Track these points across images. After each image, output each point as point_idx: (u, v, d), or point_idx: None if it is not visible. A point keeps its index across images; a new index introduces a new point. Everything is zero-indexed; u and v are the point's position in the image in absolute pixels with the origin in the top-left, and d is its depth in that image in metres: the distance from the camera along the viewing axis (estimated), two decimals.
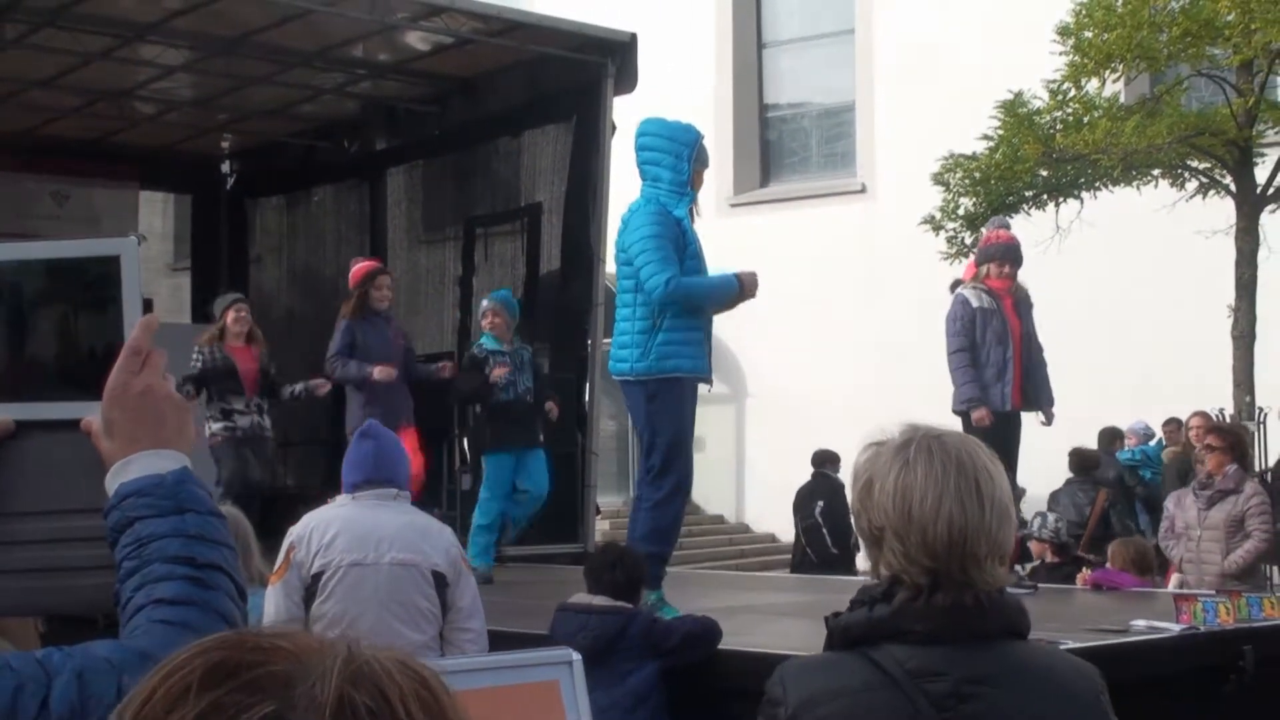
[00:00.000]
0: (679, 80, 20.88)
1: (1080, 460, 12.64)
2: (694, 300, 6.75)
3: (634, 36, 12.18)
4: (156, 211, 19.02)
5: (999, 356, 8.25)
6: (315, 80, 13.78)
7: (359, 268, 10.54)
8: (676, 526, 7.01)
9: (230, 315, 10.71)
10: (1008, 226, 9.23)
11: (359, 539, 5.22)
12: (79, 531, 1.69)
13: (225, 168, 16.54)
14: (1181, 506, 9.42)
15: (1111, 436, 14.37)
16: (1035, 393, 8.46)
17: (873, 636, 2.43)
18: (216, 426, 10.44)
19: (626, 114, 11.70)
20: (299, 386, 10.86)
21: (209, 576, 1.60)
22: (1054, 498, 12.38)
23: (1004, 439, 8.17)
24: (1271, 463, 13.04)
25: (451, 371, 10.63)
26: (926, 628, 2.39)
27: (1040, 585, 9.25)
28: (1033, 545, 10.75)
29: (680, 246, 6.75)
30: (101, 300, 1.72)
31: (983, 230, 13.09)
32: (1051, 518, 11.16)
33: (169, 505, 1.62)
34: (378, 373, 9.85)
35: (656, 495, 6.77)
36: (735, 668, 5.54)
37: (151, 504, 1.61)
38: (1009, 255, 8.65)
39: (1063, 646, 5.46)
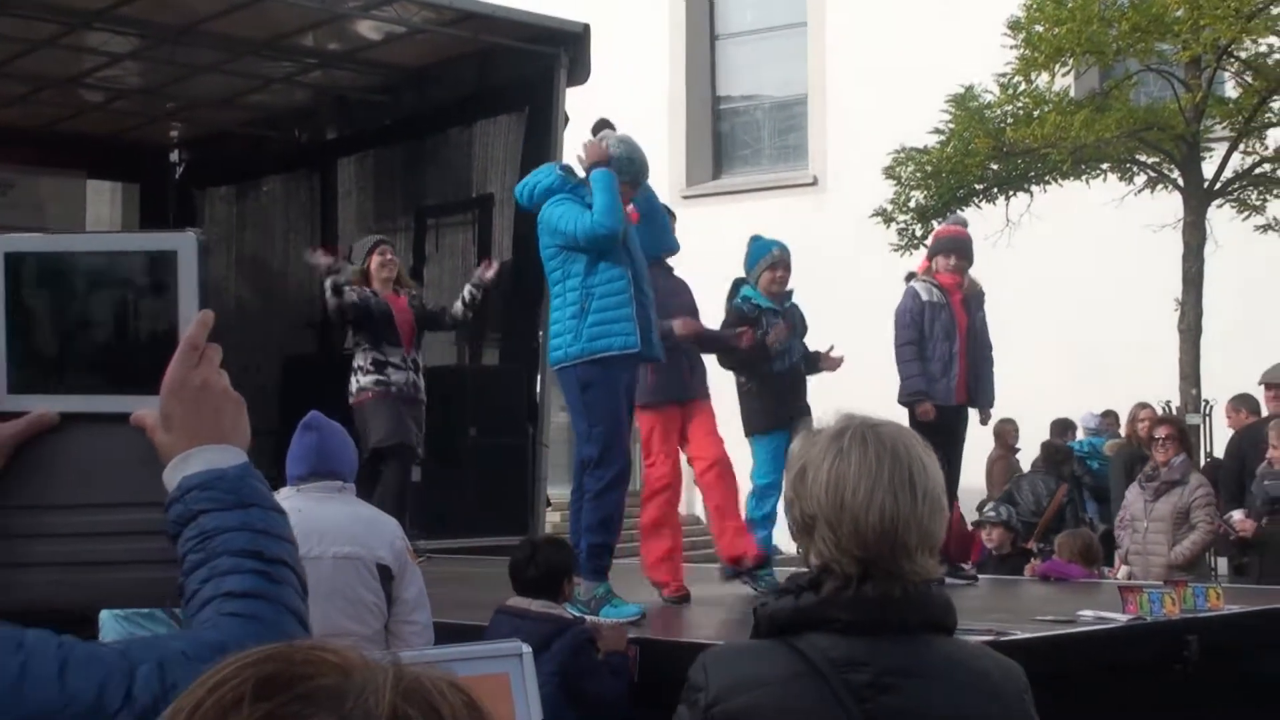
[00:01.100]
0: (632, 72, 20.86)
1: (1049, 453, 12.87)
2: (613, 206, 6.69)
3: (587, 27, 12.15)
4: (104, 201, 18.83)
5: (945, 351, 8.27)
6: (265, 69, 13.67)
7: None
8: (618, 515, 6.97)
9: (375, 259, 9.35)
10: (963, 224, 9.27)
11: (302, 533, 5.10)
12: (115, 526, 1.67)
13: (174, 157, 16.41)
14: (1130, 498, 9.52)
15: (1063, 427, 14.53)
16: (977, 389, 8.50)
17: (798, 625, 2.44)
18: (366, 380, 9.06)
19: (579, 105, 11.68)
20: (467, 290, 9.29)
21: (276, 571, 1.61)
22: (1016, 484, 12.54)
23: (949, 433, 8.21)
24: (1218, 454, 13.15)
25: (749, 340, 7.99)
26: (852, 617, 2.40)
27: (989, 576, 9.31)
28: (985, 533, 10.85)
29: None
30: (156, 295, 1.71)
31: (936, 224, 13.21)
32: (1004, 509, 11.26)
33: (233, 499, 1.62)
34: (679, 325, 7.55)
35: (597, 486, 6.77)
36: (683, 658, 5.53)
37: (215, 498, 1.61)
38: (955, 247, 8.69)
39: (1011, 637, 5.50)
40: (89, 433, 1.70)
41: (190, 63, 13.16)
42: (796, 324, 8.36)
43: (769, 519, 8.12)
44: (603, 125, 7.19)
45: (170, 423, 1.65)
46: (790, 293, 8.44)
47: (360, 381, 9.07)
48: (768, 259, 8.36)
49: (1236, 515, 8.42)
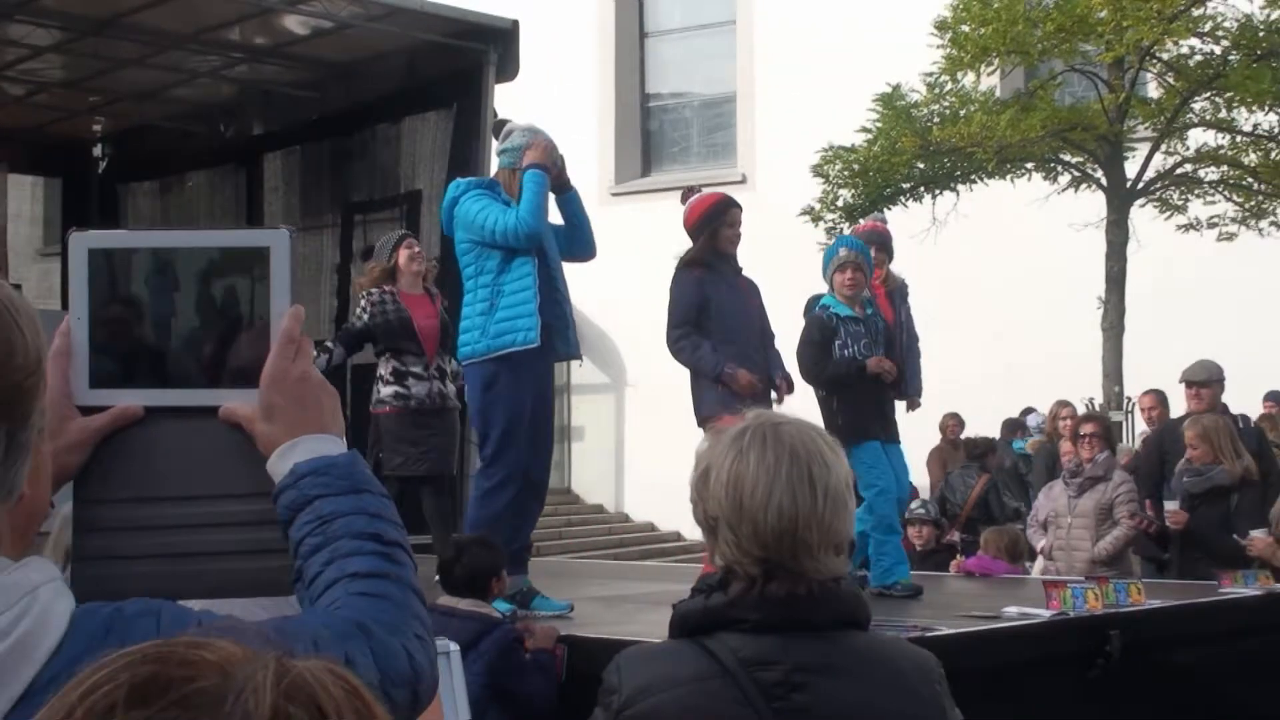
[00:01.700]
0: (561, 69, 20.84)
1: (970, 447, 13.14)
2: (540, 206, 6.69)
3: (515, 24, 12.11)
4: (25, 195, 18.64)
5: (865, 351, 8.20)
6: (190, 63, 13.53)
7: (701, 201, 7.59)
8: (507, 516, 6.81)
9: (404, 254, 8.50)
10: (882, 220, 9.33)
11: None
12: (214, 517, 1.69)
13: (97, 151, 16.21)
14: (1050, 496, 9.61)
15: (1013, 426, 14.86)
16: (904, 380, 8.49)
17: (709, 625, 2.44)
18: (386, 392, 8.32)
19: (508, 102, 11.65)
20: None
21: (395, 553, 1.65)
22: (948, 481, 12.74)
23: None
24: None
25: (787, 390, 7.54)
26: (760, 617, 2.40)
27: (915, 572, 9.37)
28: (914, 530, 10.96)
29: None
30: (248, 291, 1.73)
31: (860, 222, 13.33)
32: (931, 506, 11.40)
33: (347, 484, 1.66)
34: (743, 383, 7.04)
35: (486, 484, 6.72)
36: (611, 657, 5.53)
37: (329, 483, 1.65)
38: (874, 240, 8.71)
39: (936, 632, 5.54)
40: (175, 426, 1.71)
41: (114, 56, 13.01)
42: (878, 334, 7.80)
43: (883, 528, 7.56)
44: (502, 126, 7.19)
45: (272, 413, 1.68)
46: (870, 298, 7.92)
47: (380, 393, 8.42)
48: (836, 260, 7.84)
49: (1170, 505, 8.49)
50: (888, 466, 7.52)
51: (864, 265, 7.79)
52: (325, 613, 1.56)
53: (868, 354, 7.62)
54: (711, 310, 7.24)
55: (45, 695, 1.30)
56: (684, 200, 7.59)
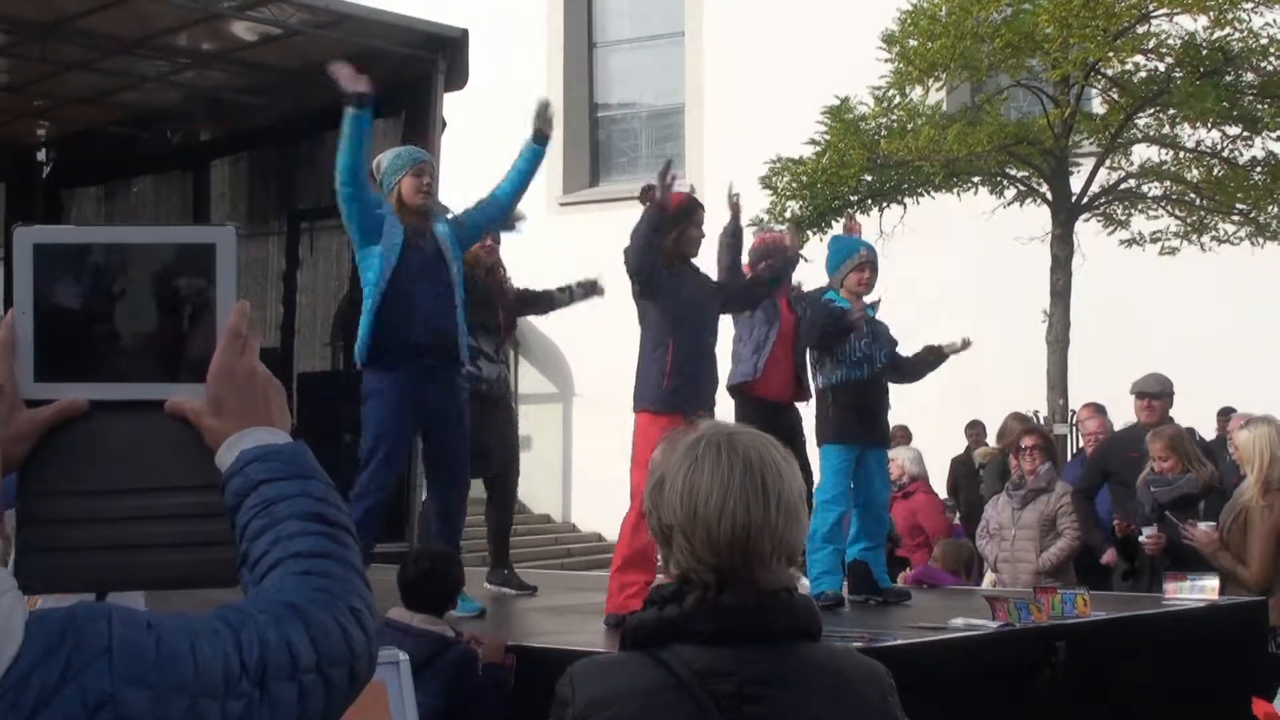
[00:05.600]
0: (510, 78, 20.81)
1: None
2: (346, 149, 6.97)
3: (465, 33, 12.10)
4: None
5: (761, 335, 8.02)
6: (137, 68, 13.44)
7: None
8: (368, 524, 6.71)
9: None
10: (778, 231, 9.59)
11: None
12: (162, 509, 1.70)
13: (41, 155, 16.06)
14: (996, 508, 9.65)
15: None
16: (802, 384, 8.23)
17: (663, 636, 2.44)
18: None
19: (457, 111, 11.64)
20: (575, 284, 8.22)
21: (340, 535, 1.66)
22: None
23: (785, 429, 7.84)
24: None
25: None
26: (714, 628, 2.40)
27: None
28: None
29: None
30: (193, 287, 1.74)
31: (809, 234, 13.48)
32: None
33: (293, 470, 1.68)
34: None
35: (356, 489, 6.78)
36: (560, 666, 5.50)
37: (275, 469, 1.67)
38: (767, 254, 8.58)
39: (884, 642, 5.56)
40: (120, 419, 1.72)
41: (59, 60, 12.91)
42: (879, 334, 7.86)
43: (827, 538, 7.38)
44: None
45: (220, 407, 1.69)
46: (876, 303, 7.96)
47: None
48: (855, 259, 7.86)
49: (1148, 530, 8.38)
50: (844, 477, 7.49)
51: (877, 267, 7.93)
52: (261, 599, 1.57)
53: (869, 351, 7.76)
54: (675, 300, 7.10)
55: (4, 702, 1.34)
56: (643, 199, 7.39)
